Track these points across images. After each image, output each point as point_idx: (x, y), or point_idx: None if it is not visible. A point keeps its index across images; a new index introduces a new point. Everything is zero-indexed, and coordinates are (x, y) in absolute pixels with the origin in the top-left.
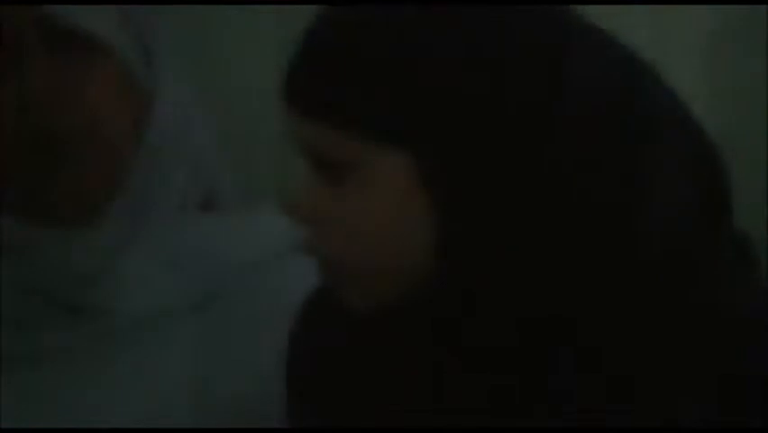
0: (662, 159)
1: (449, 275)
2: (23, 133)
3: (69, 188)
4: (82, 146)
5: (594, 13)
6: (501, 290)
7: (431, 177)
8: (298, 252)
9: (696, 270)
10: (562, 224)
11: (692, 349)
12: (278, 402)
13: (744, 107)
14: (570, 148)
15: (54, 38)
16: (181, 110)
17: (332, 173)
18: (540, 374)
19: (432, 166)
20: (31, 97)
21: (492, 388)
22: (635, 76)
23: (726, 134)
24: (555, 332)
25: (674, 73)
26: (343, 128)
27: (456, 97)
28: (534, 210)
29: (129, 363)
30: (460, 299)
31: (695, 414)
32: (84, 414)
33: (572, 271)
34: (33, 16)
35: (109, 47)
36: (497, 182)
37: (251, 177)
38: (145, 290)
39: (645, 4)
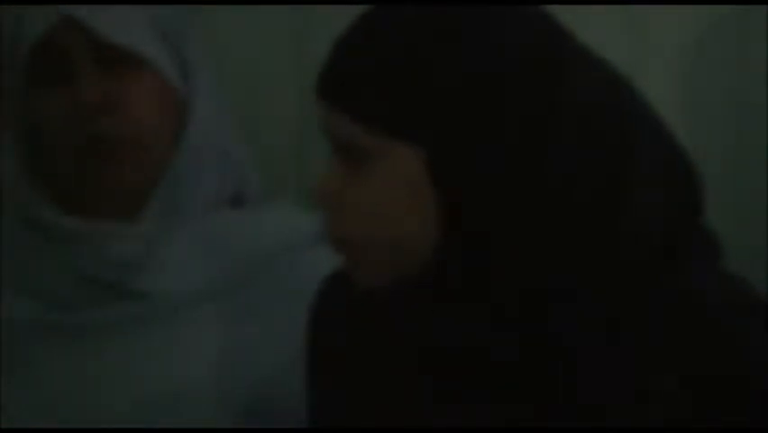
0: (641, 162)
1: (452, 255)
2: (76, 139)
3: (114, 187)
4: (127, 150)
5: (572, 21)
6: (498, 270)
7: (439, 168)
8: (316, 243)
9: (673, 258)
10: (554, 216)
11: (668, 328)
12: (299, 377)
13: (713, 117)
14: (564, 150)
15: (104, 55)
16: (214, 116)
17: (351, 160)
18: (532, 340)
19: (439, 159)
20: (83, 107)
21: (486, 351)
22: (617, 88)
23: (696, 143)
24: (544, 304)
25: (649, 84)
26: (364, 122)
27: (462, 101)
28: (525, 205)
29: (164, 340)
30: (461, 276)
31: (670, 388)
32: (123, 382)
33: (560, 257)
34: (86, 36)
35: (152, 63)
36: (497, 175)
37: (272, 177)
38: (180, 276)
39: (626, 4)
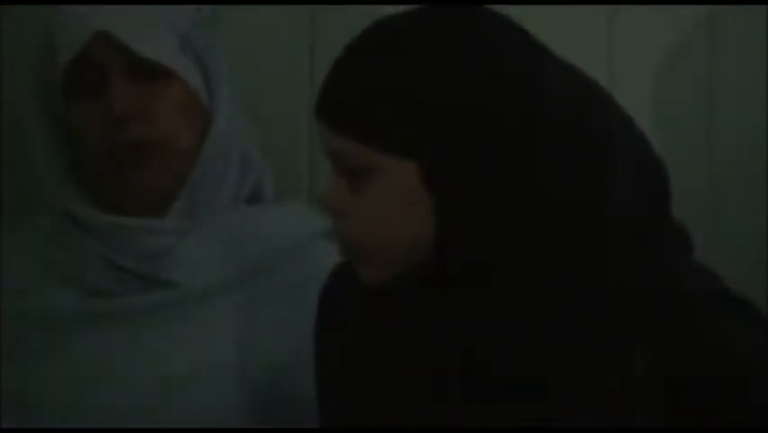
0: (617, 163)
1: (447, 256)
2: (110, 145)
3: (145, 187)
4: (156, 155)
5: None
6: (489, 266)
7: (433, 179)
8: (325, 236)
9: (649, 248)
10: (540, 214)
11: (646, 312)
12: (309, 358)
13: (684, 119)
14: (547, 154)
15: (135, 68)
16: (234, 122)
17: (350, 175)
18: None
19: (434, 171)
20: (116, 117)
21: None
22: (589, 97)
23: (668, 146)
24: (531, 302)
25: (624, 89)
26: (360, 141)
27: (450, 116)
28: (518, 205)
29: (190, 326)
30: (456, 274)
31: (647, 358)
32: (151, 365)
33: (546, 250)
34: (117, 50)
35: (179, 75)
36: (486, 183)
37: (286, 177)
38: (204, 267)
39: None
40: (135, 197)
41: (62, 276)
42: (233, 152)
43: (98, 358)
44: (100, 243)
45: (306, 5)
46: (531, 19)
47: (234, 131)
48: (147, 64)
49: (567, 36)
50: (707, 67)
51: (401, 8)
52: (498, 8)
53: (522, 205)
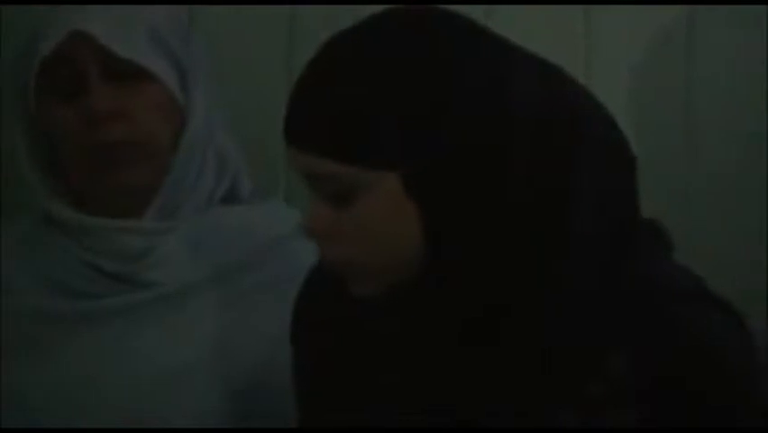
0: (590, 159)
1: (434, 265)
2: (87, 143)
3: (122, 187)
4: (133, 155)
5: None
6: (474, 274)
7: (417, 192)
8: (302, 235)
9: (627, 248)
10: (517, 217)
11: (623, 312)
12: (287, 357)
13: (662, 118)
14: (519, 157)
15: (111, 68)
16: (210, 121)
17: (331, 193)
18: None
19: (417, 184)
20: (93, 117)
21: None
22: (564, 93)
23: (646, 145)
24: (512, 301)
25: (601, 88)
26: (342, 161)
27: (427, 127)
28: (497, 212)
29: (167, 325)
30: (443, 282)
31: (624, 359)
32: (128, 365)
33: (525, 248)
34: (94, 50)
35: (154, 75)
36: (467, 193)
37: (262, 176)
38: (181, 267)
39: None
40: (113, 197)
41: (41, 277)
42: (209, 152)
43: (78, 359)
44: (78, 243)
45: (286, 5)
46: (507, 18)
47: (210, 130)
48: (124, 64)
49: (543, 36)
50: (685, 65)
51: (379, 7)
52: (473, 8)
53: (498, 207)
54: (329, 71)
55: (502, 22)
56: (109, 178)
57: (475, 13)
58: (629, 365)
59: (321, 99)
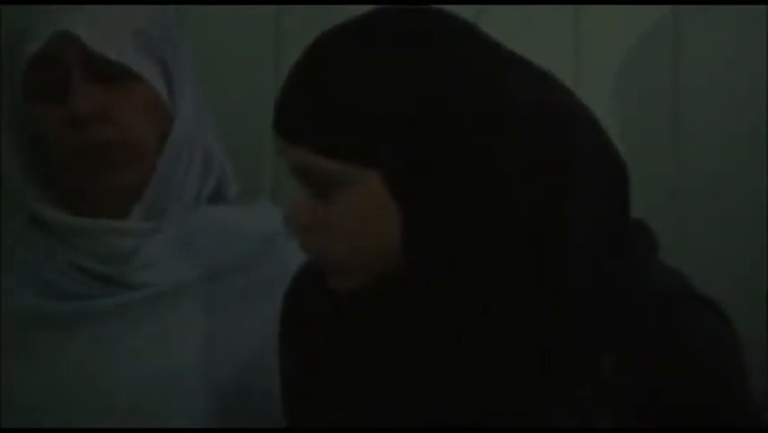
0: (583, 159)
1: (414, 261)
2: (73, 144)
3: (108, 188)
4: (119, 155)
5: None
6: (459, 273)
7: (398, 188)
8: (289, 235)
9: (614, 249)
10: (502, 216)
11: (609, 307)
12: (274, 356)
13: (649, 121)
14: (506, 158)
15: (97, 69)
16: (196, 121)
17: (315, 186)
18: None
19: (398, 180)
20: (78, 118)
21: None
22: (553, 94)
23: (633, 146)
24: (505, 300)
25: (589, 89)
26: (325, 154)
27: (410, 125)
28: (478, 211)
29: (155, 327)
30: (423, 279)
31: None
32: (116, 367)
33: (510, 252)
34: (80, 50)
35: (140, 76)
36: (449, 191)
37: (249, 176)
38: (168, 268)
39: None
40: (99, 197)
41: (29, 277)
42: (195, 152)
43: (65, 360)
44: (65, 244)
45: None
46: (497, 18)
47: (197, 131)
48: (110, 65)
49: (533, 36)
50: (672, 66)
51: (366, 8)
52: (463, 8)
53: (484, 207)
54: (319, 67)
55: (492, 22)
56: (95, 179)
57: (465, 13)
58: (621, 366)
59: (310, 94)
